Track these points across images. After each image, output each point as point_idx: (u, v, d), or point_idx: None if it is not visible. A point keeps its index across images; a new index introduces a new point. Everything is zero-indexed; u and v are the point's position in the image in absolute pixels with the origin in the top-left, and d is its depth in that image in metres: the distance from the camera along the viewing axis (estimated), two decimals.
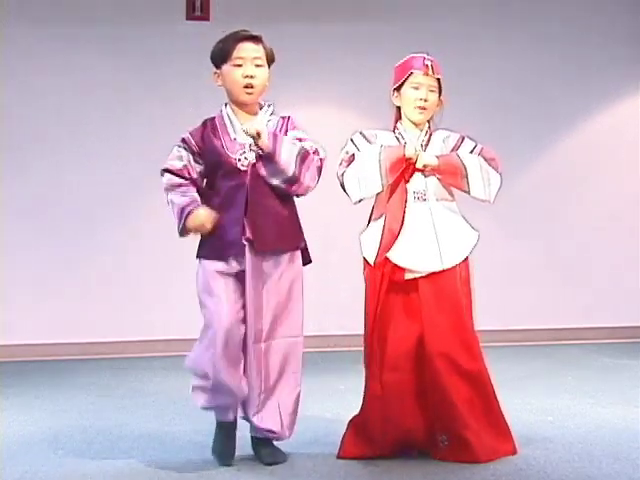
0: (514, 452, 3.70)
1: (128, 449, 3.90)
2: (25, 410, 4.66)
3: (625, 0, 6.94)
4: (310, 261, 3.72)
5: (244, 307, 3.56)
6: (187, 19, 6.50)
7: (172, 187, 3.61)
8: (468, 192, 3.74)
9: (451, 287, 3.67)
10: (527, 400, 4.76)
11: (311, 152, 3.59)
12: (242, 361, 3.57)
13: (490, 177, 3.74)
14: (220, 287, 3.54)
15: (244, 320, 3.55)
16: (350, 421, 3.77)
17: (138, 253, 6.45)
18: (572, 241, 6.89)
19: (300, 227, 3.69)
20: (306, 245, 3.70)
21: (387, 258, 3.65)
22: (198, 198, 3.59)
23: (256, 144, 3.50)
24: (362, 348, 3.77)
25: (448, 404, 3.62)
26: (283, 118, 3.69)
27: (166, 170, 3.64)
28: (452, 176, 3.71)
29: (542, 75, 6.84)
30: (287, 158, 3.51)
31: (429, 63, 3.70)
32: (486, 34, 6.77)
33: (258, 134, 3.47)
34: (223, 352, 3.49)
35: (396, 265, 3.66)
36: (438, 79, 3.74)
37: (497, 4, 6.82)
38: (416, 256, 3.66)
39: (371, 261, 3.67)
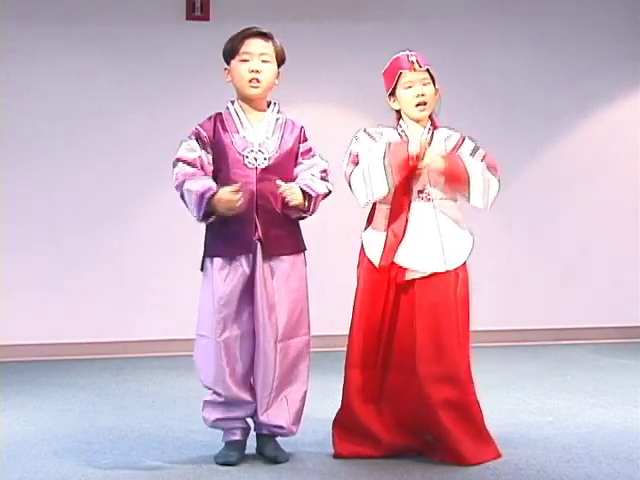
0: (498, 455, 3.68)
1: (128, 449, 3.90)
2: (25, 410, 4.65)
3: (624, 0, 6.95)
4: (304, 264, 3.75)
5: (252, 314, 3.60)
6: (187, 19, 6.49)
7: (186, 176, 3.56)
8: (467, 199, 3.72)
9: (447, 289, 3.66)
10: (527, 400, 4.76)
11: (328, 188, 3.68)
12: (246, 370, 3.65)
13: (490, 185, 3.72)
14: (224, 299, 3.58)
15: (244, 333, 3.61)
16: (334, 421, 3.78)
17: (138, 253, 6.44)
18: (572, 241, 6.89)
19: (300, 232, 3.73)
20: (306, 249, 3.74)
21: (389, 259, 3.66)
22: (214, 184, 3.55)
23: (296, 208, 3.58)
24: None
25: (428, 409, 3.62)
26: (293, 124, 3.70)
27: (179, 160, 3.61)
28: (455, 181, 3.68)
29: (542, 75, 6.83)
30: (316, 208, 3.65)
31: (414, 59, 3.69)
32: (486, 33, 6.76)
33: (301, 208, 3.58)
34: (229, 369, 3.60)
35: (399, 266, 3.66)
36: (428, 70, 3.72)
37: (497, 3, 6.81)
38: (420, 257, 3.65)
39: (376, 263, 3.67)
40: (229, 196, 3.46)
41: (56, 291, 6.35)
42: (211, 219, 3.57)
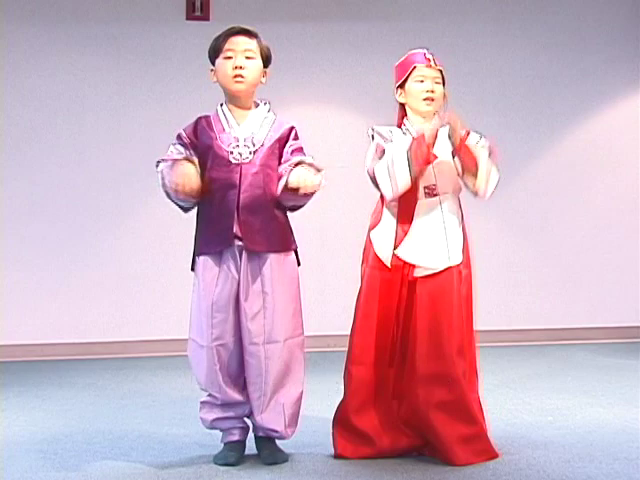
0: (495, 456, 3.67)
1: (128, 449, 3.90)
2: (25, 410, 4.65)
3: (624, 0, 6.94)
4: (299, 264, 3.71)
5: (239, 319, 3.59)
6: (187, 19, 6.49)
7: (166, 163, 3.55)
8: (474, 179, 3.66)
9: (448, 287, 3.66)
10: (527, 400, 4.76)
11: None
12: (239, 372, 3.65)
13: (491, 175, 3.71)
14: (217, 304, 3.57)
15: (236, 336, 3.60)
16: (334, 420, 3.76)
17: (138, 253, 6.45)
18: (572, 241, 6.89)
19: (291, 230, 3.68)
20: (297, 247, 3.70)
21: (399, 257, 3.66)
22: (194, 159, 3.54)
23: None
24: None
25: (422, 409, 3.63)
26: (282, 122, 3.66)
27: (161, 160, 3.60)
28: (470, 159, 3.63)
29: (541, 75, 6.84)
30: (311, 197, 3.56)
31: (430, 56, 3.74)
32: (485, 35, 6.76)
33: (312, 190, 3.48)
34: (222, 373, 3.60)
35: (406, 262, 3.66)
36: (440, 70, 3.75)
37: (496, 5, 6.81)
38: (426, 253, 3.66)
39: (387, 263, 3.67)
40: (187, 170, 3.44)
41: (56, 291, 6.35)
42: (175, 195, 3.48)
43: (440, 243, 3.67)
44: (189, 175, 3.46)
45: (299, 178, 3.45)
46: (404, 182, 3.60)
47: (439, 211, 3.70)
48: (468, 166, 3.67)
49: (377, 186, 3.68)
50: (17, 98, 6.33)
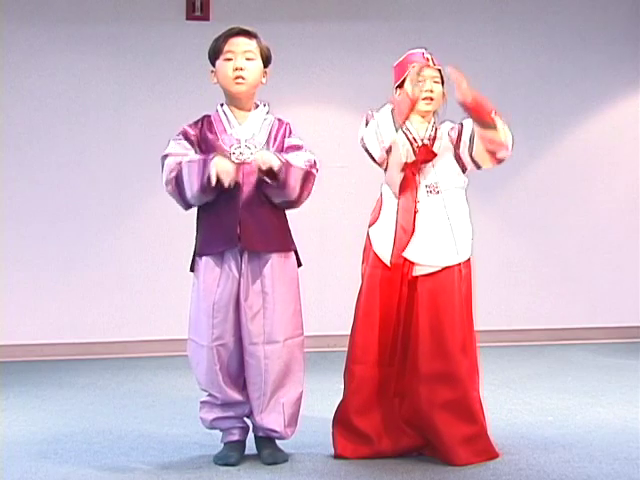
0: (495, 456, 3.67)
1: (128, 449, 3.90)
2: (25, 410, 4.65)
3: (624, 0, 6.94)
4: (300, 264, 3.72)
5: (239, 319, 3.58)
6: (187, 19, 6.49)
7: (180, 162, 3.54)
8: (494, 131, 3.61)
9: (449, 286, 3.66)
10: (527, 400, 4.76)
11: (312, 169, 3.60)
12: (239, 372, 3.65)
13: (506, 127, 3.66)
14: (218, 304, 3.56)
15: (236, 337, 3.60)
16: (334, 420, 3.76)
17: (138, 253, 6.45)
18: (572, 241, 6.89)
19: (289, 231, 3.68)
20: (296, 248, 3.70)
21: (405, 257, 3.66)
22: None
23: (269, 176, 3.48)
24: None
25: (425, 409, 3.63)
26: (280, 122, 3.69)
27: (170, 155, 3.59)
28: (484, 111, 3.57)
29: (541, 76, 6.84)
30: (294, 184, 3.53)
31: (429, 56, 3.75)
32: (485, 34, 6.76)
33: (271, 169, 3.46)
34: (222, 373, 3.60)
35: (410, 262, 3.66)
36: (439, 70, 3.75)
37: (496, 4, 6.81)
38: (432, 251, 3.66)
39: (386, 261, 3.67)
40: (226, 164, 3.45)
41: (56, 291, 6.35)
42: (211, 188, 3.48)
43: (447, 240, 3.68)
44: (229, 168, 3.45)
45: (257, 155, 3.48)
46: (389, 135, 3.60)
47: (443, 208, 3.70)
48: (484, 119, 3.60)
49: (369, 153, 3.67)
50: (17, 98, 6.33)
